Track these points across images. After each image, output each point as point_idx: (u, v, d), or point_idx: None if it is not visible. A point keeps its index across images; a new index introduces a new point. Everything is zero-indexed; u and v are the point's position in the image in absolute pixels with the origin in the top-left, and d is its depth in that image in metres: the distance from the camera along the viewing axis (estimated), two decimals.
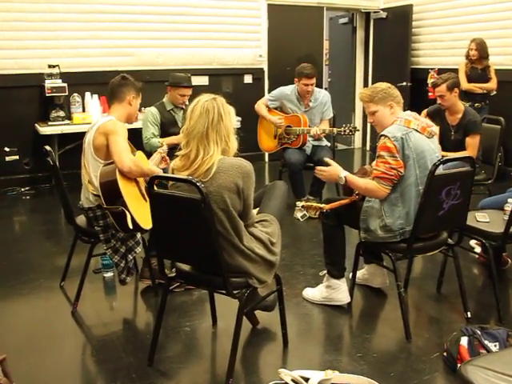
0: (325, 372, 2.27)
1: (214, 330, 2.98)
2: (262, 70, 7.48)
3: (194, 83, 4.48)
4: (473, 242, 3.84)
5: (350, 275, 3.23)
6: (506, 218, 3.05)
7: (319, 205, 3.08)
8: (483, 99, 5.79)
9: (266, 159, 7.52)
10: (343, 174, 2.94)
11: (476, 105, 5.58)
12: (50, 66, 5.80)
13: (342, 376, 2.33)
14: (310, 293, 3.29)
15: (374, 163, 3.04)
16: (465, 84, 5.59)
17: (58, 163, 3.21)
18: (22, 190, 6.03)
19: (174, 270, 2.61)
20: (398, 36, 7.62)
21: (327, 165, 3.05)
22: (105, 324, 3.09)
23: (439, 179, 2.69)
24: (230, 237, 2.35)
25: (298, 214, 3.09)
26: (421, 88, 7.12)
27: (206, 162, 2.31)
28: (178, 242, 2.46)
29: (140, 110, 3.46)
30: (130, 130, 3.16)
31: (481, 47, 5.75)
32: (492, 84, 5.78)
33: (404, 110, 2.98)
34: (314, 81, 4.95)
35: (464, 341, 2.51)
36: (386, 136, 2.78)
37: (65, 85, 5.75)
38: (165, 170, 3.26)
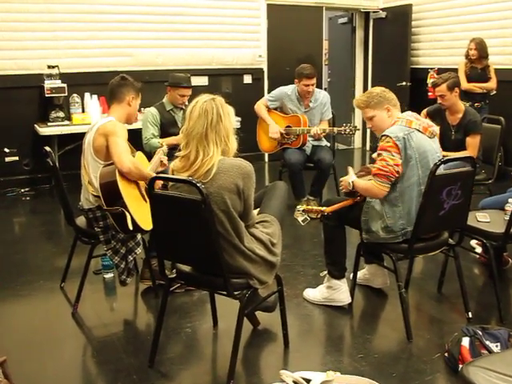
0: (326, 373, 2.26)
1: (215, 331, 2.97)
2: (261, 70, 7.48)
3: (193, 83, 4.47)
4: (473, 242, 3.83)
5: (351, 275, 3.23)
6: (507, 217, 3.05)
7: (320, 208, 3.07)
8: (483, 99, 5.79)
9: (266, 159, 7.52)
10: (351, 179, 2.96)
11: (476, 104, 5.57)
12: (49, 67, 5.79)
13: (344, 377, 2.32)
14: (311, 293, 3.29)
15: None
16: (464, 84, 5.59)
17: (57, 164, 3.20)
18: (22, 190, 6.02)
19: (174, 270, 2.60)
20: (397, 36, 7.61)
21: (334, 170, 3.05)
22: (105, 325, 3.09)
23: (440, 179, 2.68)
24: (230, 237, 2.34)
25: (299, 218, 3.08)
26: (420, 88, 7.11)
27: (206, 163, 2.30)
28: (179, 243, 2.46)
29: (140, 111, 3.45)
30: (129, 131, 3.15)
31: (480, 47, 5.74)
32: (492, 84, 5.78)
33: (403, 111, 2.99)
34: (314, 81, 4.95)
35: (465, 341, 2.51)
36: (387, 136, 2.77)
37: (64, 85, 5.75)
38: (165, 172, 3.25)
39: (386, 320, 3.16)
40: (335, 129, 4.92)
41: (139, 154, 3.24)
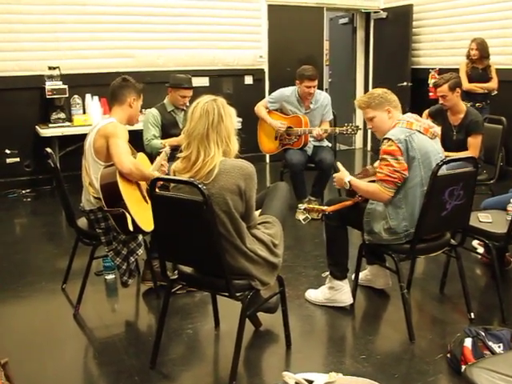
0: (329, 375, 2.26)
1: (217, 332, 2.97)
2: (262, 70, 7.48)
3: (194, 84, 4.46)
4: (475, 243, 3.83)
5: (353, 276, 3.23)
6: (509, 218, 3.05)
7: (321, 207, 3.07)
8: (484, 99, 5.78)
9: (267, 160, 7.51)
10: (347, 178, 2.95)
11: (477, 105, 5.56)
12: (50, 68, 5.79)
13: (346, 378, 2.31)
14: (313, 294, 3.28)
15: (376, 164, 3.04)
16: (466, 84, 5.58)
17: (58, 165, 3.20)
18: (23, 192, 6.02)
19: (175, 272, 2.60)
20: (398, 36, 7.61)
21: (335, 170, 3.05)
22: (107, 326, 3.08)
23: (442, 180, 2.68)
24: (232, 239, 2.34)
25: (300, 217, 3.08)
26: (421, 88, 7.10)
27: (208, 163, 2.30)
28: (180, 244, 2.45)
29: (141, 112, 3.45)
30: (130, 132, 3.15)
31: (481, 47, 5.74)
32: (493, 84, 5.77)
33: (405, 111, 2.98)
34: (316, 83, 4.93)
35: (468, 342, 2.50)
36: (389, 139, 2.77)
37: (65, 87, 5.75)
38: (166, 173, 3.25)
39: (388, 321, 3.15)
40: (337, 129, 4.92)
41: (141, 155, 3.24)
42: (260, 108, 5.20)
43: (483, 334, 2.52)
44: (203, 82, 6.74)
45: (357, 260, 3.11)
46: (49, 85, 5.71)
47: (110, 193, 2.85)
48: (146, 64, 6.59)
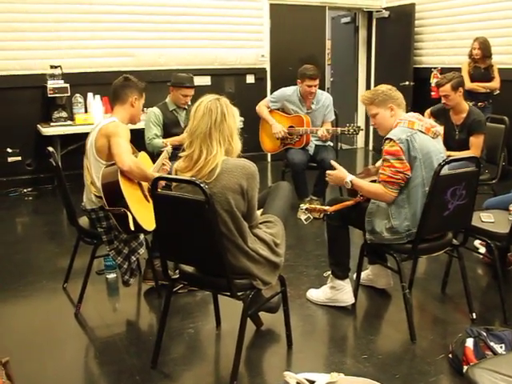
0: (330, 375, 2.25)
1: (218, 331, 2.97)
2: (264, 69, 7.47)
3: (196, 83, 4.47)
4: (477, 243, 3.82)
5: (354, 276, 3.22)
6: (511, 218, 3.03)
7: (323, 207, 3.06)
8: (486, 98, 5.77)
9: (269, 159, 7.51)
10: (349, 178, 2.94)
11: (479, 104, 5.55)
12: (52, 67, 5.79)
13: (348, 378, 2.31)
14: (314, 294, 3.28)
15: (377, 164, 3.03)
16: (468, 83, 5.56)
17: (60, 164, 3.20)
18: (25, 190, 6.02)
19: (177, 271, 2.60)
20: (400, 35, 7.59)
21: (333, 168, 3.04)
22: (108, 326, 3.08)
23: (444, 179, 2.67)
24: (234, 238, 2.34)
25: (302, 217, 3.06)
26: (423, 87, 7.09)
27: (210, 162, 2.29)
28: (182, 244, 2.45)
29: (142, 111, 3.44)
30: (132, 131, 3.14)
31: (484, 46, 5.73)
32: (495, 83, 5.76)
33: (407, 111, 2.97)
34: (317, 82, 4.93)
35: (469, 342, 2.49)
36: (391, 139, 2.76)
37: (67, 85, 5.74)
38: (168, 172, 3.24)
39: (390, 321, 3.15)
40: (339, 129, 4.91)
41: (142, 154, 3.23)
42: (262, 107, 5.19)
43: (485, 334, 2.52)
44: (205, 81, 6.74)
45: (358, 260, 3.11)
46: (50, 83, 5.71)
47: (112, 192, 2.84)
48: (147, 63, 6.58)
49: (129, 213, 2.81)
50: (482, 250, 3.70)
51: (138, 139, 3.66)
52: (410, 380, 2.49)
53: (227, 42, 7.08)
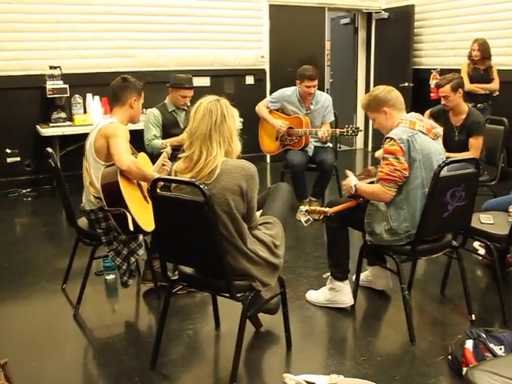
0: (330, 376, 2.25)
1: (217, 333, 2.96)
2: (263, 70, 7.47)
3: (195, 84, 4.46)
4: (476, 244, 3.82)
5: (354, 277, 3.22)
6: (511, 219, 3.04)
7: (323, 209, 3.06)
8: (486, 100, 5.78)
9: (268, 160, 7.51)
10: (353, 183, 2.94)
11: (478, 105, 5.55)
12: (51, 68, 5.78)
13: (347, 380, 2.31)
14: (314, 295, 3.27)
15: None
16: (467, 85, 5.56)
17: (59, 165, 3.20)
18: (24, 191, 6.01)
19: (176, 272, 2.59)
20: (399, 36, 7.60)
21: (336, 171, 3.05)
22: (107, 327, 3.08)
23: (444, 181, 2.67)
24: (233, 239, 2.33)
25: (302, 219, 3.06)
26: (423, 88, 7.10)
27: (210, 163, 2.29)
28: (181, 245, 2.45)
29: (142, 111, 3.44)
30: (131, 132, 3.14)
31: (483, 47, 5.73)
32: (494, 84, 5.77)
33: (407, 112, 2.97)
34: (316, 83, 4.93)
35: (469, 344, 2.49)
36: (391, 138, 2.76)
37: (66, 86, 5.74)
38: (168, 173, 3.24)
39: (389, 322, 3.15)
40: (337, 130, 4.91)
41: (142, 154, 3.23)
42: (261, 108, 5.20)
43: (484, 336, 2.51)
44: (204, 82, 6.74)
45: (357, 261, 3.10)
46: (50, 84, 5.70)
47: (111, 192, 2.84)
48: (146, 64, 6.58)
49: (128, 213, 2.81)
50: (482, 251, 3.70)
51: (137, 140, 3.66)
52: (409, 382, 2.48)
53: (227, 42, 7.08)
